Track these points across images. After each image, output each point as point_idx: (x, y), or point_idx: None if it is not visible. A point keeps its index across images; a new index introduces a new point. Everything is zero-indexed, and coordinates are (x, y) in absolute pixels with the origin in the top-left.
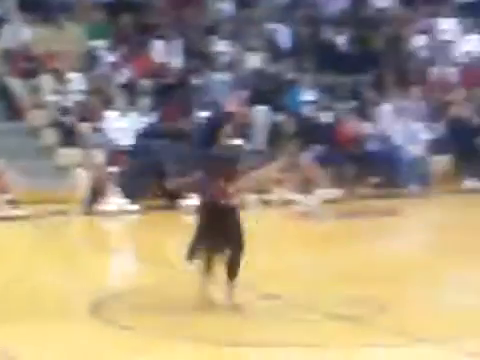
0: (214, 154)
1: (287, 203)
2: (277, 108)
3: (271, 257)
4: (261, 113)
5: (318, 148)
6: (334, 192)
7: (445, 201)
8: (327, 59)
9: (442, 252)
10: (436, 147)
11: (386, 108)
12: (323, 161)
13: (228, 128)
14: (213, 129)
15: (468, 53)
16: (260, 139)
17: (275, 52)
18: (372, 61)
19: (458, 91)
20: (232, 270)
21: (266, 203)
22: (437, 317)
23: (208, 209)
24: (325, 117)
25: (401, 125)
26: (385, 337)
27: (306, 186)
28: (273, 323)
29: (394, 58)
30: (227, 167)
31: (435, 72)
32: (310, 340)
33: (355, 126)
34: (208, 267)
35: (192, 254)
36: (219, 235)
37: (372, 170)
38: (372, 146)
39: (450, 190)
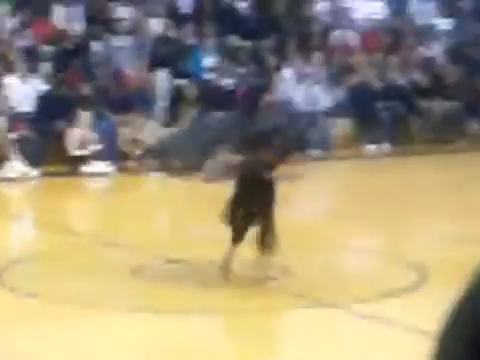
0: (263, 126)
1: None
2: (178, 73)
3: (173, 222)
4: (162, 78)
5: (220, 113)
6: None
7: (346, 165)
8: (228, 24)
9: (342, 217)
10: (337, 111)
11: (287, 73)
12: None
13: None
14: (255, 98)
15: (369, 17)
16: (161, 104)
17: (176, 17)
18: (273, 26)
19: (359, 55)
20: (267, 244)
21: (169, 169)
22: (337, 281)
23: (249, 180)
24: (226, 82)
25: (302, 90)
26: (287, 300)
27: None
28: (175, 289)
29: (295, 23)
30: (272, 140)
31: (336, 37)
32: (213, 304)
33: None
34: (241, 236)
35: (229, 218)
36: (255, 207)
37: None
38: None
39: (351, 154)
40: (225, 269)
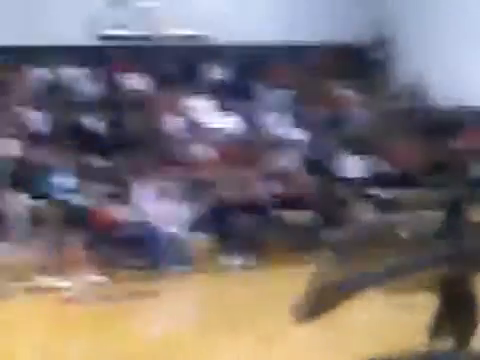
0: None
1: (51, 289)
2: (36, 195)
3: (39, 344)
4: (20, 201)
5: (80, 233)
6: (98, 276)
7: (206, 280)
8: (85, 144)
9: (205, 330)
10: (197, 227)
11: (145, 190)
12: (85, 245)
13: None
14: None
15: (225, 132)
16: (21, 227)
17: (32, 138)
18: (129, 143)
19: (217, 170)
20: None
21: (29, 290)
22: None
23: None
24: (85, 201)
25: (160, 206)
26: None
27: (70, 270)
28: None
29: (150, 140)
30: None
31: (193, 152)
32: None
33: (114, 210)
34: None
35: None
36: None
37: (132, 253)
38: (132, 229)
39: (210, 269)
40: None
